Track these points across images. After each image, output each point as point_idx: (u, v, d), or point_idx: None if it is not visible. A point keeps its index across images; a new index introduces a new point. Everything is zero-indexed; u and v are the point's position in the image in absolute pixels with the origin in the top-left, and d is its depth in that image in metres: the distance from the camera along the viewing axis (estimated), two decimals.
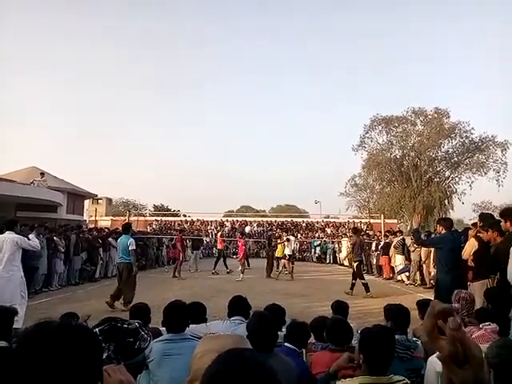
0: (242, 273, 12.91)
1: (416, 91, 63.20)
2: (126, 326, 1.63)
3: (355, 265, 10.23)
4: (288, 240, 13.76)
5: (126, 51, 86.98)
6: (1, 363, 2.19)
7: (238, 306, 3.24)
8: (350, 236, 20.79)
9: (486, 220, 5.34)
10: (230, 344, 1.37)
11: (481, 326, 2.32)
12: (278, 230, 19.03)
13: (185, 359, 2.33)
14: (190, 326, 3.10)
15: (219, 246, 16.16)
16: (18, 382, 0.82)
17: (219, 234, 18.34)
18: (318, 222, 29.18)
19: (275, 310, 3.33)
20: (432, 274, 10.10)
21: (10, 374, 0.84)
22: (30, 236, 6.48)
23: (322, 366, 2.53)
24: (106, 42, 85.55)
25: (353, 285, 10.09)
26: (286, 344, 2.78)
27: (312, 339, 3.21)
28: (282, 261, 13.76)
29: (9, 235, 5.66)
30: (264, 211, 49.58)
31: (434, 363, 2.51)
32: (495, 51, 60.57)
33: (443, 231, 5.68)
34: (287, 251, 13.60)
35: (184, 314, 2.69)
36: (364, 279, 10.07)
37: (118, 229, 16.00)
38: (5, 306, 2.67)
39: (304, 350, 2.92)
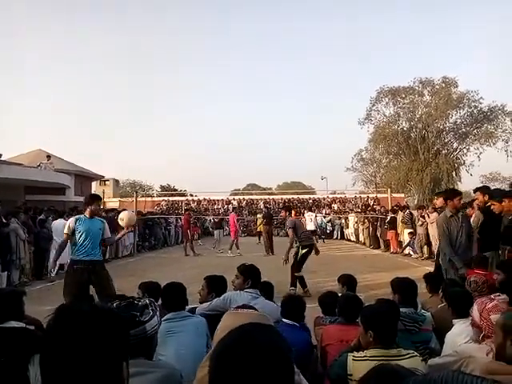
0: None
1: (424, 60, 61.62)
2: (138, 302, 1.71)
3: (303, 252, 7.14)
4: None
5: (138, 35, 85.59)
6: (17, 343, 2.26)
7: (252, 275, 3.28)
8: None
9: (492, 192, 5.29)
10: (250, 321, 1.39)
11: (492, 296, 2.35)
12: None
13: (188, 336, 2.38)
14: (205, 304, 3.13)
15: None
16: (51, 360, 0.84)
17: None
18: (324, 199, 29.15)
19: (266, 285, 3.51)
20: None
21: (42, 352, 0.86)
22: None
23: (333, 339, 2.60)
24: (113, 29, 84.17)
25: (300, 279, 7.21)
26: (284, 320, 2.79)
27: (320, 313, 3.28)
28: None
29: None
30: (270, 189, 49.57)
31: (455, 341, 2.52)
32: (507, 15, 58.33)
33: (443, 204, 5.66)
34: (310, 227, 13.94)
35: (181, 294, 2.71)
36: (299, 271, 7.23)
37: (125, 209, 16.15)
38: (12, 287, 2.75)
39: (302, 324, 2.96)
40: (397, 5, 68.92)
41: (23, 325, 2.45)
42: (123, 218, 4.78)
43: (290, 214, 7.78)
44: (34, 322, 2.77)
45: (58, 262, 5.11)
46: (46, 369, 0.85)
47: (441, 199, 5.94)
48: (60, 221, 9.71)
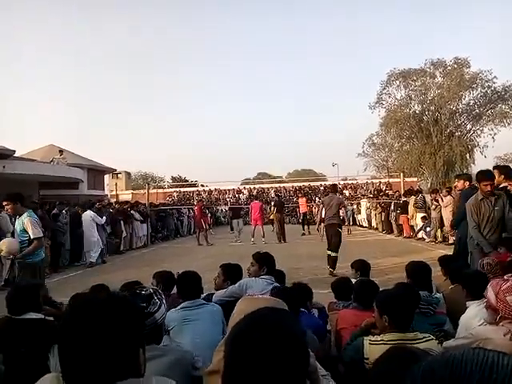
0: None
1: (435, 42, 60.19)
2: (143, 292, 1.74)
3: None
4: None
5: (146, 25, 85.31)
6: (36, 333, 2.31)
7: (267, 262, 3.30)
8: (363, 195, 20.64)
9: (509, 171, 5.16)
10: (265, 305, 1.39)
11: (506, 277, 2.30)
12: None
13: (204, 324, 2.40)
14: (221, 291, 3.16)
15: (303, 210, 17.26)
16: (69, 348, 0.86)
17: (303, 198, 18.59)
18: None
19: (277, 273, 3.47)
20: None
21: (60, 341, 0.88)
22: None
23: (348, 323, 2.62)
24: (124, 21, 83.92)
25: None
26: None
27: (333, 299, 3.29)
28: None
29: None
30: (281, 177, 49.46)
31: (470, 323, 2.49)
32: (507, 15, 56.41)
33: (465, 186, 5.57)
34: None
35: (196, 282, 2.73)
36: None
37: (138, 202, 16.31)
38: (32, 281, 2.81)
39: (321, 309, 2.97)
40: (397, 4, 67.52)
41: (42, 316, 2.51)
42: (2, 249, 4.59)
43: (333, 192, 8.43)
44: (52, 313, 2.83)
45: None
46: (64, 357, 0.86)
47: (462, 181, 5.84)
48: (88, 212, 10.26)
